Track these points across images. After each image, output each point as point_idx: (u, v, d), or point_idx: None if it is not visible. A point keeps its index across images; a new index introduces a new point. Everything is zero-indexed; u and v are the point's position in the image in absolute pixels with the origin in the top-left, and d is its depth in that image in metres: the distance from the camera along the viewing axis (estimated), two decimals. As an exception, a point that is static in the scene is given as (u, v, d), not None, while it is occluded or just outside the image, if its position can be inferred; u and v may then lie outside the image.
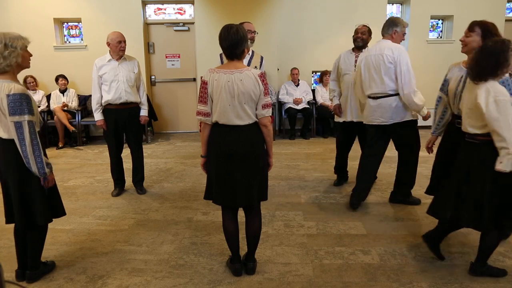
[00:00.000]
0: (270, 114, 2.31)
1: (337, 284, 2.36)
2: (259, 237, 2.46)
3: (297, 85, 6.77)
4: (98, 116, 3.78)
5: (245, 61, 3.50)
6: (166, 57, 6.98)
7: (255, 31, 3.58)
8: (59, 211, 2.45)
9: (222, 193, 2.31)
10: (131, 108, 3.82)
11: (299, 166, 4.91)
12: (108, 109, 3.75)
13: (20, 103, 2.08)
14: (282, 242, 2.88)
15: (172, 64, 7.01)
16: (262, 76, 2.25)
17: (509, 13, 7.12)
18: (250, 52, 3.57)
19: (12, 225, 2.40)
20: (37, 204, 2.28)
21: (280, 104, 6.79)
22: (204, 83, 2.25)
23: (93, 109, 3.79)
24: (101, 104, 3.76)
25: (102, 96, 3.74)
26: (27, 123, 2.10)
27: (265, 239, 2.90)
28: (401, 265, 2.54)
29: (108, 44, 3.68)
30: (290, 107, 6.58)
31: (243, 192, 2.28)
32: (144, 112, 3.96)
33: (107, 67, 3.71)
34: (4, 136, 2.17)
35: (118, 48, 3.67)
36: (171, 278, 2.44)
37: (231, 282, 2.38)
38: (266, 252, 2.73)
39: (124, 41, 3.71)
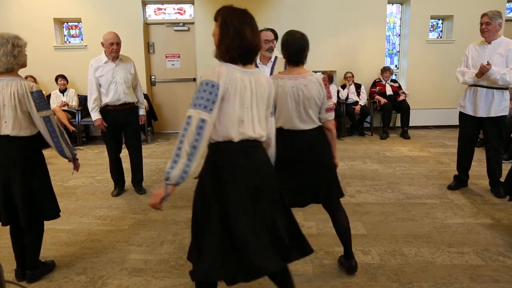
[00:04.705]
0: (333, 117, 2.33)
1: (337, 284, 2.36)
2: (350, 233, 2.43)
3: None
4: (95, 115, 3.69)
5: (268, 67, 3.46)
6: (166, 57, 6.98)
7: (274, 39, 3.42)
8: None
9: (289, 196, 2.29)
10: (129, 108, 3.81)
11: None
12: (106, 110, 3.72)
13: (44, 99, 2.25)
14: (282, 242, 2.87)
15: (172, 64, 7.01)
16: (325, 80, 2.26)
17: (509, 13, 7.12)
18: (273, 58, 3.51)
19: (12, 225, 2.41)
20: (44, 200, 2.34)
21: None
22: None
23: (90, 108, 3.71)
24: (98, 104, 3.69)
25: (99, 97, 3.69)
26: (52, 116, 2.28)
27: (265, 239, 2.90)
28: (401, 265, 2.54)
29: (102, 44, 3.66)
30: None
31: (312, 193, 2.30)
32: (142, 111, 3.96)
33: (104, 68, 3.68)
34: (13, 133, 2.21)
35: (110, 49, 3.63)
36: (171, 278, 2.44)
37: (231, 282, 2.38)
38: (266, 252, 2.73)
39: (117, 43, 3.65)
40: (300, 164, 2.27)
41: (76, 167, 2.47)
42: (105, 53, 3.71)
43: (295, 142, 2.27)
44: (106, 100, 3.69)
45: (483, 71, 3.40)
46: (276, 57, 3.52)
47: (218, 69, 1.61)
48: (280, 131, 2.27)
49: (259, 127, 1.71)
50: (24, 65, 2.28)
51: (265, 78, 1.77)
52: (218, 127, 1.63)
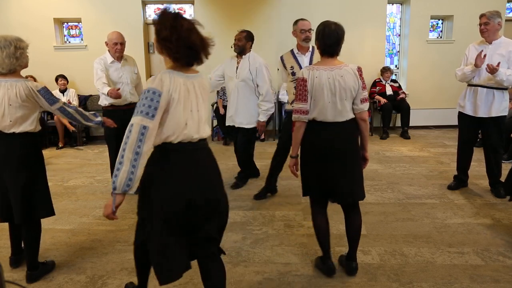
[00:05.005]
0: (368, 108, 2.32)
1: (337, 284, 2.35)
2: (360, 235, 2.42)
3: (297, 85, 6.76)
4: (106, 89, 3.51)
5: (307, 57, 3.48)
6: (166, 57, 6.97)
7: (311, 29, 3.41)
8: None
9: (323, 191, 2.30)
10: (133, 108, 3.78)
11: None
12: (111, 111, 3.65)
13: (51, 93, 2.36)
14: (282, 242, 2.87)
15: (172, 64, 7.00)
16: (360, 71, 2.25)
17: (509, 13, 7.12)
18: (311, 48, 3.53)
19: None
20: (42, 198, 2.36)
21: (280, 104, 6.79)
22: (303, 81, 2.22)
23: (100, 88, 3.54)
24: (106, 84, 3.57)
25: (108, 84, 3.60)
26: (65, 105, 2.42)
27: (265, 239, 2.90)
28: (401, 265, 2.54)
29: (106, 44, 3.65)
30: (290, 107, 6.58)
31: (344, 188, 2.26)
32: None
33: (111, 68, 3.66)
34: (18, 131, 2.27)
35: (113, 49, 3.62)
36: (171, 278, 2.44)
37: (231, 283, 2.37)
38: (266, 252, 2.73)
39: (121, 43, 3.63)
40: (329, 157, 2.23)
41: (109, 124, 2.80)
42: (109, 52, 3.69)
43: (326, 133, 2.23)
44: (111, 100, 3.64)
45: (492, 72, 3.40)
46: (313, 47, 3.52)
47: (160, 77, 1.63)
48: (311, 123, 2.26)
49: (204, 127, 1.77)
50: (26, 66, 2.34)
51: (207, 81, 1.83)
52: (163, 130, 1.66)
